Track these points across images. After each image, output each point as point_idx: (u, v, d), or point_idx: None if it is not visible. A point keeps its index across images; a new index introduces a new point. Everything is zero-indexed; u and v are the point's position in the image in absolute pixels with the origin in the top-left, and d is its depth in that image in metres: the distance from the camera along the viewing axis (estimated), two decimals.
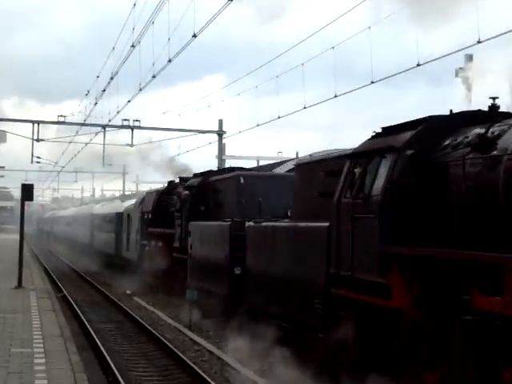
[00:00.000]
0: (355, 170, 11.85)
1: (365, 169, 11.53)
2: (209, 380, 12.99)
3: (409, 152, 10.70)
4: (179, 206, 24.71)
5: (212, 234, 20.44)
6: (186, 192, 24.08)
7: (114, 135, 39.80)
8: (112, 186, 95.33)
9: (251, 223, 17.19)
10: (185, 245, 23.10)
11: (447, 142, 10.54)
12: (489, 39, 15.86)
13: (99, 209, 51.47)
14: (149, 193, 33.83)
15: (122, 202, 45.47)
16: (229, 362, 15.19)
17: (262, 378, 13.70)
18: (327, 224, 12.65)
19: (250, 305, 17.04)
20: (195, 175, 26.30)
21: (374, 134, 12.20)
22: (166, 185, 31.78)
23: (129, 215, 36.20)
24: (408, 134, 10.99)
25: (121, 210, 39.79)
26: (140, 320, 20.76)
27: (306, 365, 13.46)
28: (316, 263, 13.06)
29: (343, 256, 11.84)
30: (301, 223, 14.39)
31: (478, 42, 16.72)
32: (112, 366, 14.12)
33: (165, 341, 17.30)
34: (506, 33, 15.04)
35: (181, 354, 15.54)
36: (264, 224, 16.49)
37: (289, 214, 16.50)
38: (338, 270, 12.09)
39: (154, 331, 18.73)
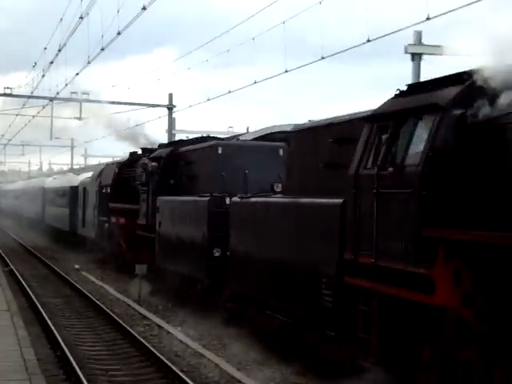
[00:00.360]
0: (381, 136, 9.86)
1: (395, 133, 9.49)
2: (158, 354, 13.00)
3: (457, 111, 8.73)
4: (145, 179, 22.32)
5: (186, 211, 18.25)
6: (153, 164, 21.82)
7: (62, 108, 39.37)
8: (60, 160, 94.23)
9: (236, 199, 14.90)
10: (152, 222, 21.00)
11: (506, 101, 8.45)
12: (437, 16, 15.95)
13: (51, 182, 48.65)
14: (108, 165, 31.06)
15: (77, 175, 42.58)
16: (178, 337, 15.21)
17: (209, 351, 13.76)
18: (341, 200, 10.50)
19: (233, 291, 14.97)
20: (161, 145, 24.41)
21: (397, 91, 10.14)
22: (127, 157, 28.88)
23: (85, 189, 33.74)
24: (454, 90, 8.98)
25: (75, 183, 37.49)
26: (88, 294, 20.64)
27: (307, 361, 12.13)
28: (324, 247, 10.89)
29: (363, 239, 9.73)
30: (303, 199, 12.05)
31: (427, 18, 16.83)
32: (60, 340, 14.02)
33: (113, 315, 17.24)
34: (453, 10, 15.15)
35: (129, 329, 15.51)
36: (253, 200, 14.20)
37: (276, 188, 15.09)
38: (355, 255, 9.94)
39: (102, 305, 18.65)
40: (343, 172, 10.49)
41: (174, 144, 23.90)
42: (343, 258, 10.30)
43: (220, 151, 18.49)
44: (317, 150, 12.29)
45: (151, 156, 23.13)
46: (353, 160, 10.23)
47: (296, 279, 11.86)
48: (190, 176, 20.10)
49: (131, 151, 28.54)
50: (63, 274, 25.83)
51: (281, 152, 17.67)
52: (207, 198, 16.80)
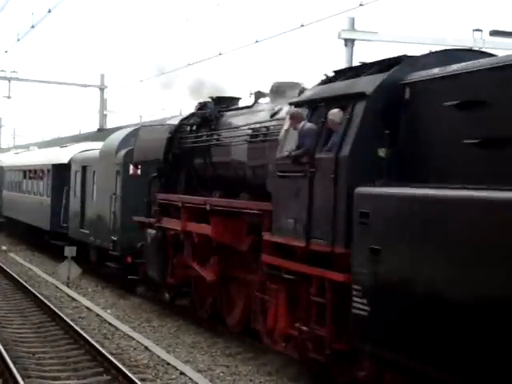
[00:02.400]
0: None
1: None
2: (86, 336, 12.88)
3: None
4: (306, 148, 9.79)
5: None
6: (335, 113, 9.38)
7: None
8: None
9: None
10: (340, 242, 9.00)
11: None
12: (370, 2, 16.11)
13: (14, 159, 35.76)
14: (144, 128, 17.68)
15: (62, 147, 28.95)
16: (107, 319, 15.09)
17: (138, 334, 13.70)
18: None
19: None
20: (327, 80, 10.63)
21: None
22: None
23: (85, 169, 22.33)
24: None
25: (63, 159, 25.29)
26: (15, 276, 20.31)
27: None
28: None
29: None
30: None
31: (360, 4, 16.99)
32: None
33: (41, 297, 17.01)
34: None
35: (58, 311, 15.33)
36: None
37: None
38: None
39: (30, 287, 18.37)
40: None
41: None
42: None
43: None
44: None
45: (308, 99, 10.39)
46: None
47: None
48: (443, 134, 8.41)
49: (200, 101, 15.56)
50: None
51: None
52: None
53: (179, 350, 12.63)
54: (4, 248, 28.08)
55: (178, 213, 14.18)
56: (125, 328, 14.15)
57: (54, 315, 15.16)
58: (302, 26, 18.41)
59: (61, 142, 37.40)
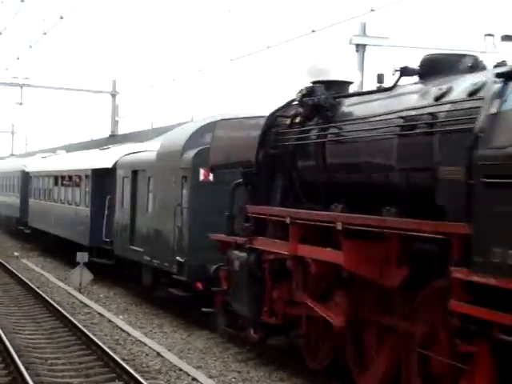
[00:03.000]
0: None
1: None
2: (98, 342, 12.90)
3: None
4: None
5: None
6: None
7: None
8: None
9: None
10: None
11: None
12: (381, 8, 16.11)
13: (40, 164, 31.88)
14: (231, 122, 13.82)
15: (101, 149, 25.24)
16: (119, 325, 15.12)
17: (150, 339, 13.71)
18: None
19: None
20: None
21: None
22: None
23: (136, 174, 18.67)
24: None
25: (106, 163, 21.45)
26: (28, 282, 20.37)
27: None
28: None
29: None
30: None
31: (372, 10, 16.99)
32: None
33: (54, 303, 17.05)
34: (398, 1, 15.31)
35: (70, 317, 15.36)
36: None
37: None
38: None
39: (42, 293, 18.42)
40: None
41: None
42: None
43: None
44: None
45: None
46: None
47: None
48: None
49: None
50: (2, 261, 25.40)
51: None
52: None
53: (191, 355, 12.63)
54: (16, 254, 28.15)
55: (282, 231, 10.89)
56: (137, 334, 14.17)
57: (66, 321, 15.19)
58: (313, 31, 18.41)
59: (93, 145, 34.38)
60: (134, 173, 18.67)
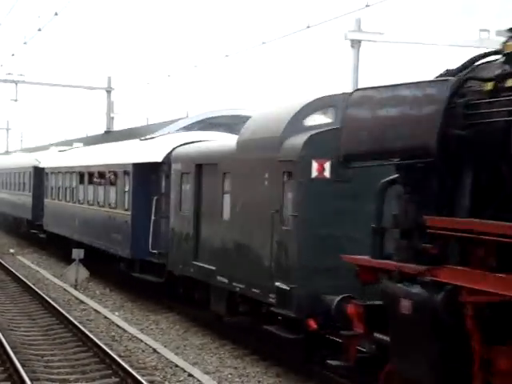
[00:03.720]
0: None
1: None
2: (94, 339, 12.89)
3: None
4: None
5: None
6: None
7: None
8: None
9: None
10: None
11: None
12: (376, 3, 16.12)
13: (60, 159, 26.92)
14: (376, 91, 8.81)
15: (142, 139, 19.80)
16: (115, 321, 15.11)
17: (146, 336, 13.70)
18: None
19: None
20: None
21: None
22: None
23: (200, 169, 14.74)
24: None
25: (154, 156, 17.12)
26: (23, 279, 20.34)
27: None
28: None
29: None
30: None
31: (367, 5, 17.00)
32: None
33: (50, 300, 17.03)
34: None
35: (66, 313, 15.34)
36: None
37: None
38: None
39: (38, 290, 18.39)
40: None
41: None
42: None
43: None
44: None
45: None
46: None
47: None
48: None
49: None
50: None
51: None
52: None
53: (187, 351, 12.63)
54: (12, 251, 28.11)
55: (502, 259, 6.96)
56: (133, 330, 14.16)
57: (62, 318, 15.18)
58: (309, 27, 18.41)
59: (114, 138, 29.82)
60: (199, 167, 14.63)
